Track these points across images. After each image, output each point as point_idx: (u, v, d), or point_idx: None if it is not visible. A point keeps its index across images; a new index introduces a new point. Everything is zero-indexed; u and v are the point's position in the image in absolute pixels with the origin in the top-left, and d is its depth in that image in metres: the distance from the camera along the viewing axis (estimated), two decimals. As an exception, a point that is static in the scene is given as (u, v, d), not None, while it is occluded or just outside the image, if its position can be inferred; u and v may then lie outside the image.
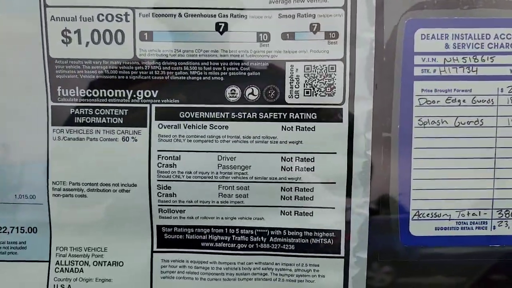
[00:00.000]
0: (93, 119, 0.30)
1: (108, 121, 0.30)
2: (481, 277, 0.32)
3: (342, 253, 0.30)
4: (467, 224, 0.30)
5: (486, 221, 0.30)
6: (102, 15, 0.29)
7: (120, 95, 0.30)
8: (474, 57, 0.29)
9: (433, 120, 0.30)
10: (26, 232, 0.31)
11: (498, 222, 0.30)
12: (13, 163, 0.30)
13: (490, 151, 0.30)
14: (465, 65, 0.29)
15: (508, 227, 0.30)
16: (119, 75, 0.30)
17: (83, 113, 0.30)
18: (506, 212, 0.30)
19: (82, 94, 0.30)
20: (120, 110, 0.30)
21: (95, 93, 0.30)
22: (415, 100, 0.29)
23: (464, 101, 0.29)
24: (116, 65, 0.29)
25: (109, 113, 0.30)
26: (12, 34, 0.29)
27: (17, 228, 0.31)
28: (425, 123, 0.30)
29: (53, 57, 0.29)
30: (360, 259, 0.30)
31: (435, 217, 0.30)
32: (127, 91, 0.30)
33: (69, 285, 0.31)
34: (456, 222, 0.30)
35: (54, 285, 0.31)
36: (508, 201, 0.30)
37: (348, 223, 0.30)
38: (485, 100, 0.29)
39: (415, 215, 0.30)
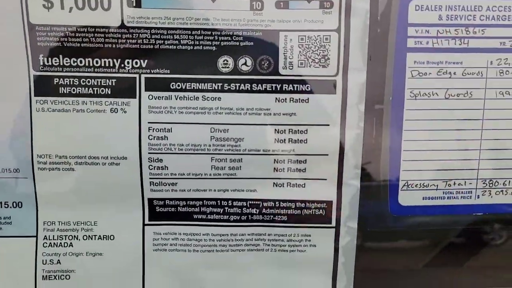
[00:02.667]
0: (79, 89, 0.29)
1: (95, 92, 0.29)
2: (465, 243, 0.33)
3: (333, 223, 0.31)
4: (453, 193, 0.31)
5: (471, 191, 0.32)
6: (87, -22, 0.27)
7: (107, 65, 0.29)
8: (466, 29, 0.29)
9: (425, 92, 0.30)
10: (10, 207, 0.30)
11: (482, 191, 0.32)
12: (-6, 136, 0.29)
13: (478, 123, 0.31)
14: (457, 37, 0.29)
15: (491, 196, 0.32)
16: (106, 43, 0.28)
17: (68, 83, 0.29)
18: (490, 182, 0.32)
19: (67, 63, 0.29)
20: (107, 80, 0.29)
21: (81, 62, 0.29)
22: (407, 72, 0.30)
23: (454, 73, 0.30)
24: (102, 33, 0.28)
25: (96, 83, 0.29)
26: (-13, -2, 0.28)
27: (1, 203, 0.30)
28: (417, 95, 0.30)
29: (33, 23, 0.28)
30: (351, 228, 0.31)
31: (423, 187, 0.31)
32: (115, 60, 0.29)
33: (59, 260, 0.31)
34: (443, 192, 0.31)
35: (43, 260, 0.31)
36: (492, 171, 0.31)
37: (339, 194, 0.31)
38: (474, 73, 0.30)
39: (404, 185, 0.31)
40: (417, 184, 0.31)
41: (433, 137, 0.30)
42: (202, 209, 0.31)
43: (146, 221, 0.31)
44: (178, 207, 0.31)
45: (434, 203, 0.31)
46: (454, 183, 0.31)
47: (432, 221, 0.32)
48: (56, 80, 0.29)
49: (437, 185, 0.31)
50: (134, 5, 0.28)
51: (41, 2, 0.28)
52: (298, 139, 0.30)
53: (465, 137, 0.31)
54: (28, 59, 0.28)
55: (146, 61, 0.29)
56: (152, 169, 0.30)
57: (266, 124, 0.30)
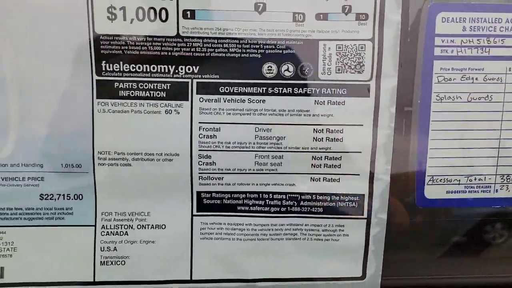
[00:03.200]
0: (137, 92, 0.31)
1: (152, 95, 0.31)
2: (484, 233, 0.36)
3: (365, 215, 0.33)
4: (473, 188, 0.34)
5: (490, 185, 0.34)
6: (147, -7, 0.30)
7: (163, 70, 0.31)
8: (487, 39, 0.32)
9: (449, 95, 0.33)
10: (72, 199, 0.33)
11: (500, 186, 0.34)
12: (60, 134, 0.32)
13: (497, 123, 0.33)
14: (479, 46, 0.32)
15: (509, 191, 0.34)
16: (162, 51, 0.31)
17: (127, 87, 0.31)
18: (507, 177, 0.34)
19: (126, 69, 0.31)
20: (163, 84, 0.31)
21: (139, 68, 0.31)
22: (434, 78, 0.32)
23: (476, 79, 0.32)
24: (159, 42, 0.31)
25: (152, 87, 0.31)
26: (58, 8, 0.30)
27: (64, 195, 0.33)
28: (442, 98, 0.33)
29: (98, 33, 0.30)
30: (381, 219, 0.34)
31: (447, 182, 0.34)
32: (170, 66, 0.31)
33: (115, 247, 0.33)
34: (465, 186, 0.34)
35: (101, 247, 0.33)
36: (510, 167, 0.34)
37: (371, 188, 0.33)
38: (494, 78, 0.33)
39: (429, 180, 0.34)
40: (441, 179, 0.34)
41: (457, 136, 0.33)
42: (245, 201, 0.33)
43: (194, 212, 0.33)
44: (224, 200, 0.33)
45: (456, 196, 0.34)
46: (475, 178, 0.34)
47: (455, 213, 0.35)
48: (116, 84, 0.31)
49: (460, 180, 0.34)
50: (189, 17, 0.30)
51: (105, 14, 0.30)
52: (334, 138, 0.32)
53: (485, 137, 0.33)
54: (92, 65, 0.31)
55: (198, 67, 0.31)
56: (201, 164, 0.32)
57: (306, 124, 0.32)
